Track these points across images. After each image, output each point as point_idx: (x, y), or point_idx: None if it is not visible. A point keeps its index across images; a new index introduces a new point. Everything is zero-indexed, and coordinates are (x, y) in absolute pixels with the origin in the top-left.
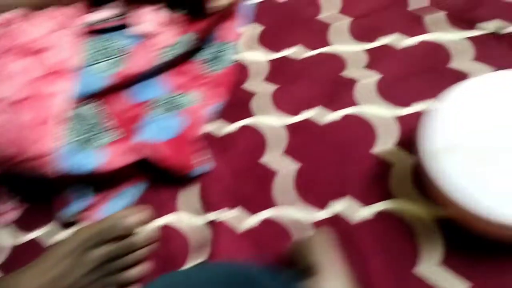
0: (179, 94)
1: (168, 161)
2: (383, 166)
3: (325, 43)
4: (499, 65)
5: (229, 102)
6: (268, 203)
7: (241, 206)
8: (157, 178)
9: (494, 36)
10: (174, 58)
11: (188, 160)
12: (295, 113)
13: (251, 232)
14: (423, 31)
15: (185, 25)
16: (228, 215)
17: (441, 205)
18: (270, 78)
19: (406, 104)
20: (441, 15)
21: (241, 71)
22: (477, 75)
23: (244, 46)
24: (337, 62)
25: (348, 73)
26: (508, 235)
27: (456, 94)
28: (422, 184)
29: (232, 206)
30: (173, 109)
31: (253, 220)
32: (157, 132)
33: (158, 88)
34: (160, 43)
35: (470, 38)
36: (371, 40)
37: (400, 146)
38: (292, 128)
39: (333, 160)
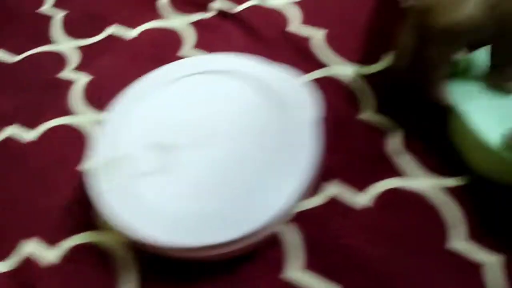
0: None
1: None
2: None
3: (39, 42)
4: (222, 48)
5: None
6: None
7: None
8: None
9: (222, 17)
10: None
11: None
12: None
13: None
14: (153, 17)
15: None
16: None
17: None
18: None
19: None
20: None
21: None
22: None
23: None
24: (49, 64)
25: (62, 76)
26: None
27: (130, 92)
28: None
29: None
30: None
31: None
32: None
33: None
34: None
35: (198, 21)
36: (93, 33)
37: None
38: None
39: (30, 191)
